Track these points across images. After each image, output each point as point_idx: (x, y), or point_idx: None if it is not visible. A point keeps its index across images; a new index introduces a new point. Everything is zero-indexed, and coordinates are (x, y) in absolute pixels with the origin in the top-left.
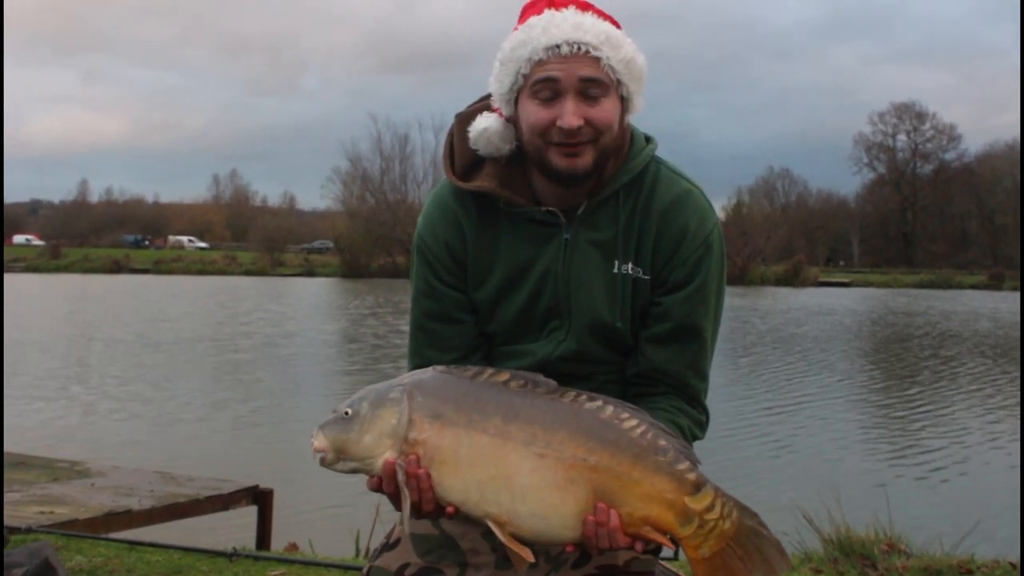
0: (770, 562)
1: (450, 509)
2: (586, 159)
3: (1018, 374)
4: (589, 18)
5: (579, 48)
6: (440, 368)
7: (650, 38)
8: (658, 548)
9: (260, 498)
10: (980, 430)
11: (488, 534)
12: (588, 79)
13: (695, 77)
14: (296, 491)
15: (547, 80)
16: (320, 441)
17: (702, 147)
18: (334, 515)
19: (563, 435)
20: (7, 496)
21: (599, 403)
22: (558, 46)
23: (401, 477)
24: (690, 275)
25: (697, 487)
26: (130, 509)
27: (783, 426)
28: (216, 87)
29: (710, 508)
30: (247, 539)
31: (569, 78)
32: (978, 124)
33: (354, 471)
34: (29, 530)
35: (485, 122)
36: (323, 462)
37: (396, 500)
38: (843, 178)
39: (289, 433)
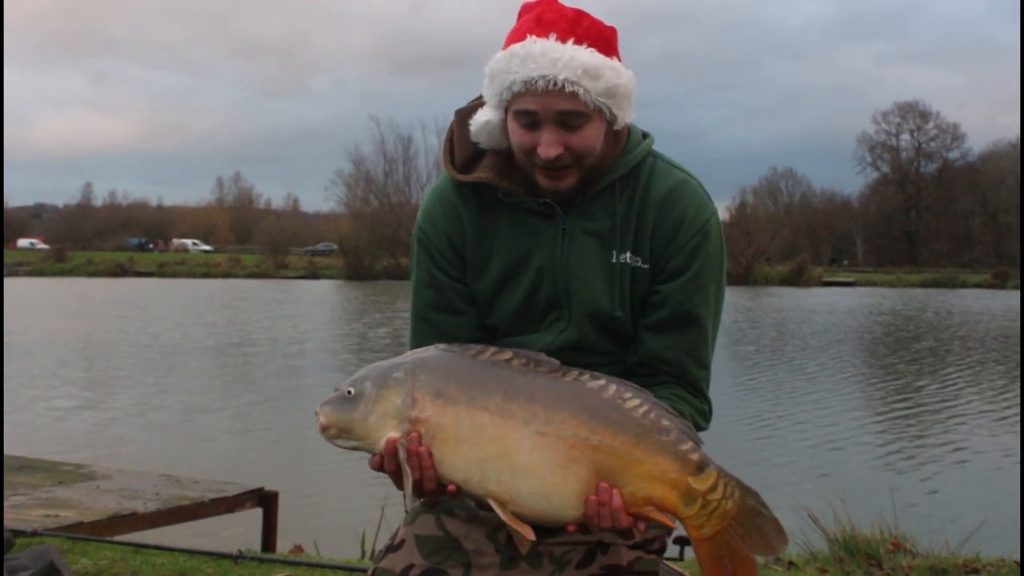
0: (770, 540)
1: (451, 488)
2: (569, 181)
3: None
4: (568, 49)
5: (555, 84)
6: (442, 347)
7: (663, 39)
8: (662, 547)
9: (265, 500)
10: (986, 429)
11: (493, 534)
12: (566, 112)
13: (708, 78)
14: (301, 493)
15: (526, 112)
16: (324, 418)
17: (712, 147)
18: (339, 517)
19: (565, 414)
20: (12, 499)
21: (602, 382)
22: (535, 81)
23: (402, 455)
24: (687, 262)
25: (700, 467)
26: (135, 512)
27: (788, 425)
28: (226, 89)
29: (713, 488)
30: (252, 541)
31: (547, 111)
32: (991, 122)
33: (356, 448)
34: (34, 533)
35: (486, 116)
36: (324, 432)
37: (398, 478)
38: (847, 178)
39: (294, 436)
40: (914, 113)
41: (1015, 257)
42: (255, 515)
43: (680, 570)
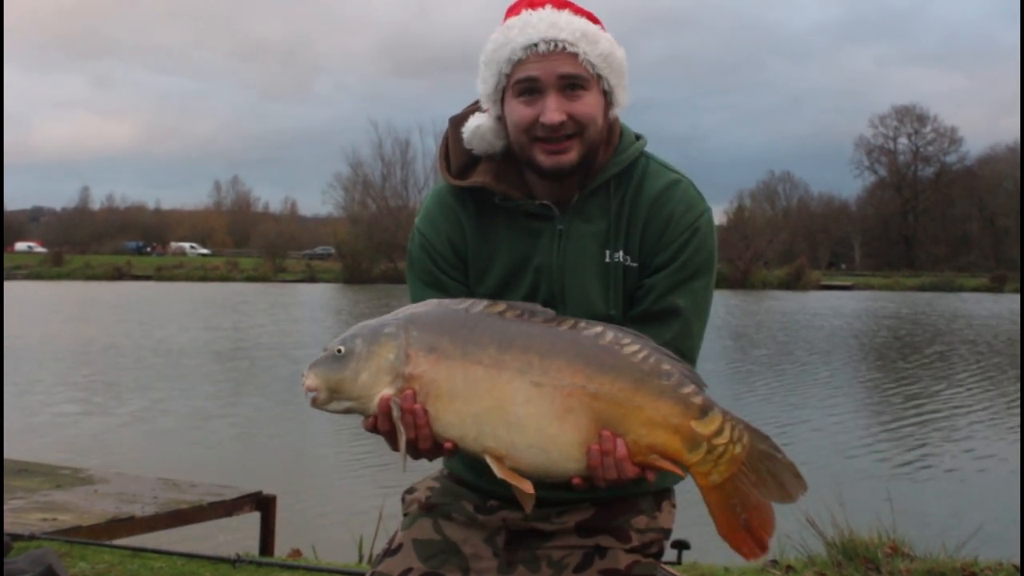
0: (786, 487)
1: (448, 445)
2: (571, 155)
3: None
4: (565, 16)
5: (556, 45)
6: (434, 301)
7: (665, 42)
8: (660, 551)
9: (263, 504)
10: (983, 432)
11: (490, 539)
12: (567, 75)
13: (710, 81)
14: (299, 497)
15: (527, 79)
16: (312, 380)
17: (711, 150)
18: (337, 521)
19: (561, 362)
20: (11, 503)
21: (599, 329)
22: (535, 44)
23: (396, 413)
24: (673, 257)
25: (704, 411)
26: (133, 516)
27: (785, 429)
28: (228, 92)
29: (718, 432)
30: (250, 545)
31: (548, 76)
32: (993, 124)
33: (347, 411)
34: (32, 537)
35: (477, 120)
36: (315, 402)
37: (392, 439)
38: (844, 181)
39: (292, 439)
40: (911, 117)
41: (1013, 260)
42: (253, 519)
43: (678, 574)
